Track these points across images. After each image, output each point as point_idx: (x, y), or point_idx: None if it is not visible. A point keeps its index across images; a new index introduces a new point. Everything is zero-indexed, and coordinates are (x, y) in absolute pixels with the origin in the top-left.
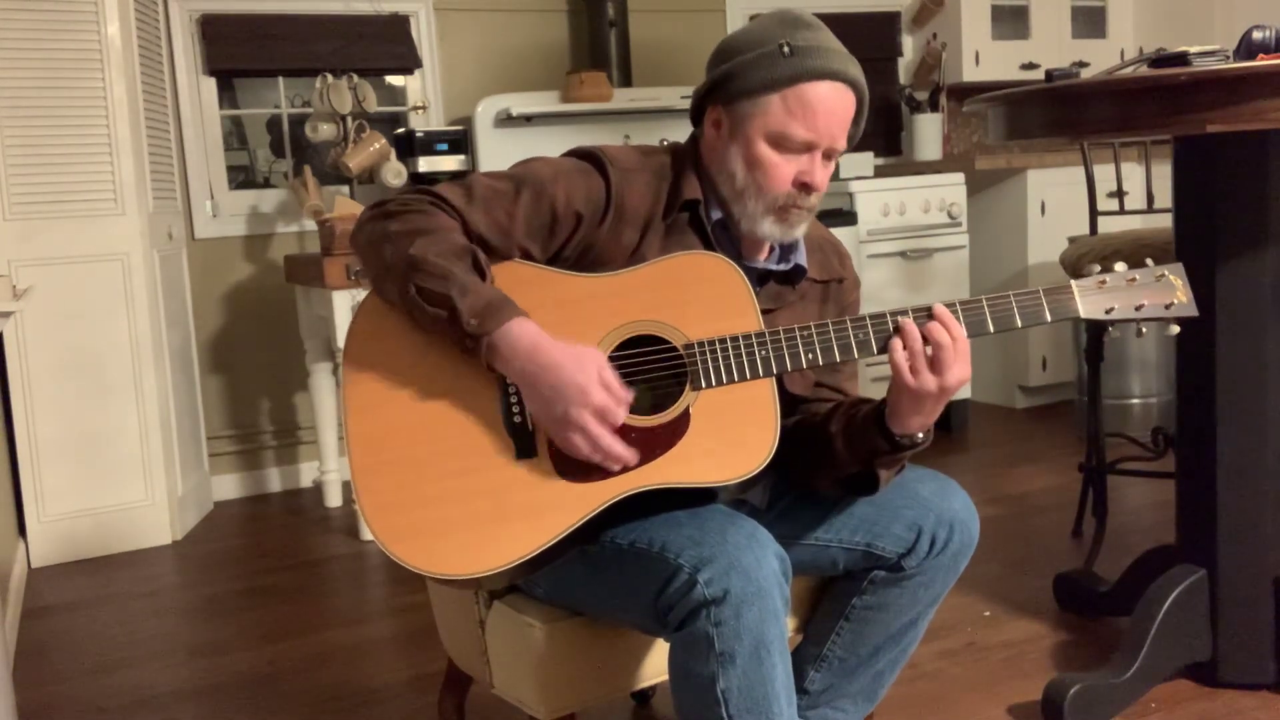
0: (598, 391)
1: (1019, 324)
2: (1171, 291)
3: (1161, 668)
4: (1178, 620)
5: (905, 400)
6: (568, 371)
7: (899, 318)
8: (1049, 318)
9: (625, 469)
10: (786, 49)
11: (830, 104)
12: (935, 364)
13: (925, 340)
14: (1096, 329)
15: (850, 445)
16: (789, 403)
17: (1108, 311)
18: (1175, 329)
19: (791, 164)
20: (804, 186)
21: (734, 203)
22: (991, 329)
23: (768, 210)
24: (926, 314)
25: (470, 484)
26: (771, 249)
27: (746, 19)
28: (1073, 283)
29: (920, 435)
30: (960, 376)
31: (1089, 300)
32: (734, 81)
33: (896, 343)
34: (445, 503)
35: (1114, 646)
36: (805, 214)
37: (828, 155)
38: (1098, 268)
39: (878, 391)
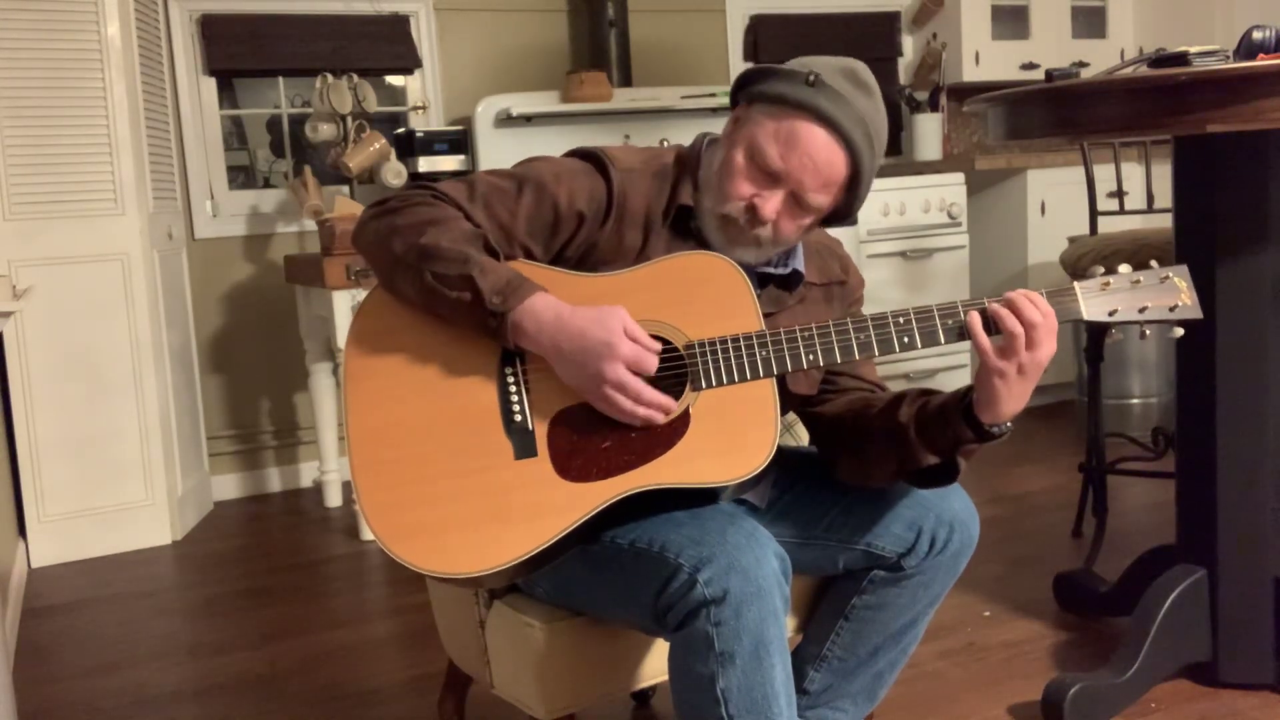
0: (625, 344)
1: None
2: (1176, 294)
3: (1161, 668)
4: (1178, 620)
5: (998, 386)
6: (592, 332)
7: (961, 309)
8: None
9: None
10: (812, 78)
11: (813, 149)
12: (1030, 342)
13: (997, 327)
14: (1098, 330)
15: (926, 435)
16: (799, 401)
17: (1111, 313)
18: (1179, 332)
19: (753, 184)
20: (752, 209)
21: (703, 195)
22: (994, 330)
23: (714, 212)
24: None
25: (471, 484)
26: None
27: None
28: (1076, 285)
29: (1009, 424)
30: (1050, 350)
31: (1092, 302)
32: (755, 85)
33: (979, 330)
34: (446, 502)
35: (1114, 646)
36: (750, 240)
37: (798, 201)
38: (1101, 269)
39: (893, 384)
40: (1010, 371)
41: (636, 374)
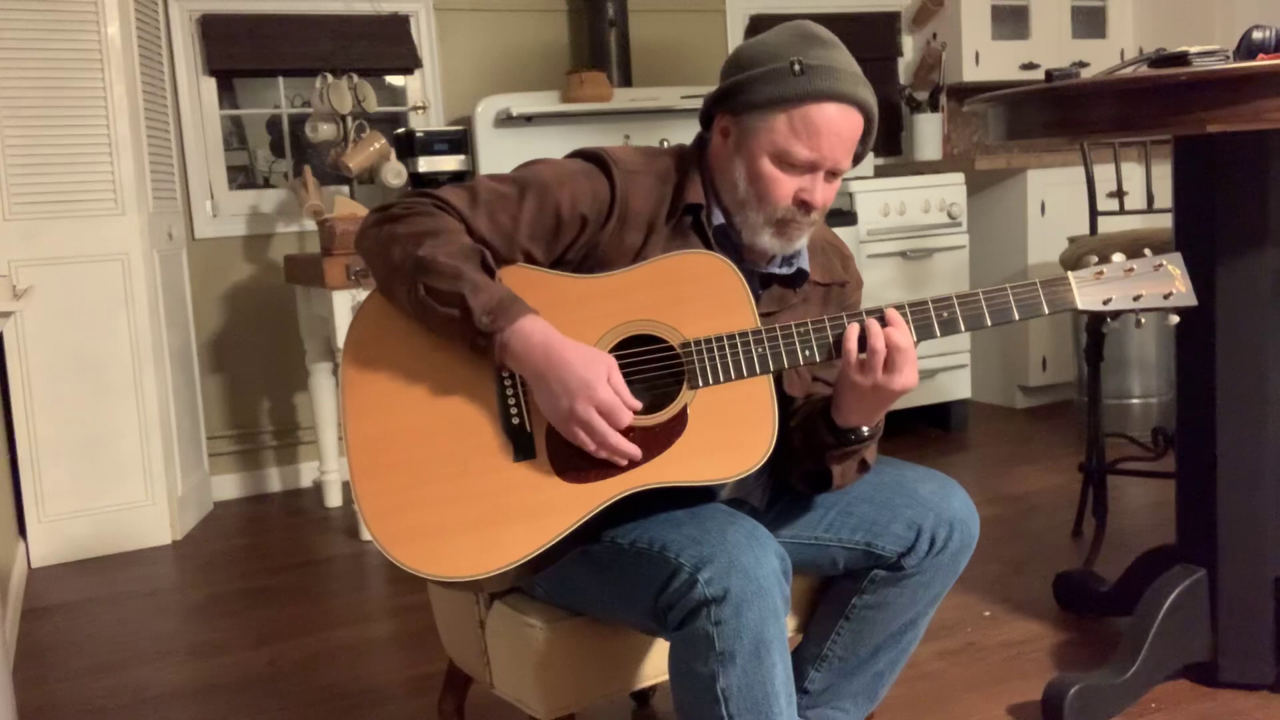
0: (604, 389)
1: (1016, 317)
2: (1170, 281)
3: (1161, 668)
4: (1178, 620)
5: (849, 395)
6: (576, 369)
7: (885, 312)
8: (1046, 310)
9: (629, 465)
10: (797, 67)
11: (836, 126)
12: (887, 365)
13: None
14: (1096, 325)
15: (805, 439)
16: (787, 405)
17: (1105, 302)
18: (1175, 319)
19: (793, 181)
20: (803, 204)
21: (735, 212)
22: (989, 322)
23: (767, 223)
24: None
25: (469, 486)
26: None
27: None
28: (1070, 275)
29: (865, 429)
30: (905, 383)
31: (1086, 292)
32: (743, 94)
33: (851, 342)
34: (445, 505)
35: (1114, 646)
36: (805, 227)
37: (832, 174)
38: (1095, 259)
39: None
40: (865, 387)
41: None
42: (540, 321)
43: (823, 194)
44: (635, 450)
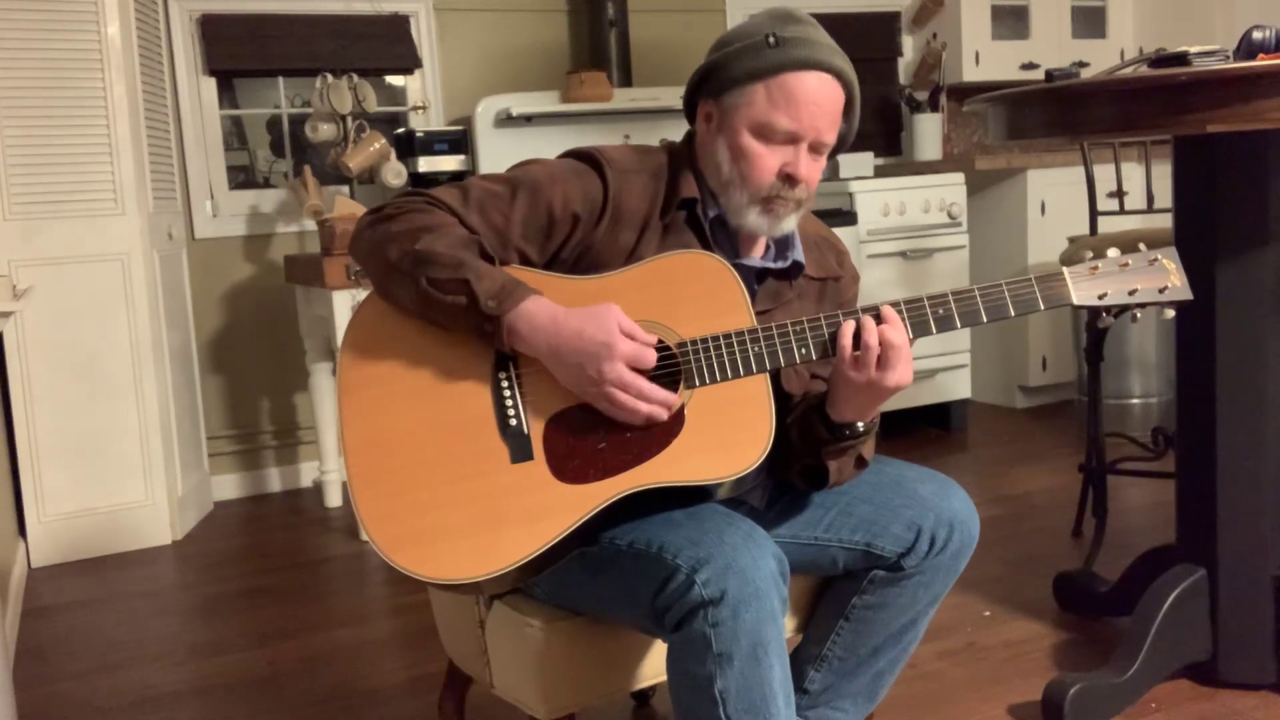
0: (623, 341)
1: (1012, 313)
2: (1165, 275)
3: (1161, 668)
4: (1178, 620)
5: (844, 391)
6: (589, 333)
7: (881, 309)
8: (1042, 305)
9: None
10: (772, 40)
11: (815, 95)
12: (881, 361)
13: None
14: (1096, 323)
15: (801, 435)
16: (786, 402)
17: (1101, 297)
18: (1170, 313)
19: (776, 155)
20: (788, 178)
21: (721, 195)
22: (985, 319)
23: (752, 201)
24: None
25: (467, 490)
26: (768, 246)
27: (746, 19)
28: (1065, 270)
29: (860, 425)
30: (900, 379)
31: (1082, 287)
32: (721, 73)
33: (846, 338)
34: (443, 509)
35: (1114, 646)
36: (792, 206)
37: (816, 149)
38: (1090, 254)
39: None
40: (859, 383)
41: (636, 370)
42: (544, 301)
43: (807, 168)
44: (673, 396)
